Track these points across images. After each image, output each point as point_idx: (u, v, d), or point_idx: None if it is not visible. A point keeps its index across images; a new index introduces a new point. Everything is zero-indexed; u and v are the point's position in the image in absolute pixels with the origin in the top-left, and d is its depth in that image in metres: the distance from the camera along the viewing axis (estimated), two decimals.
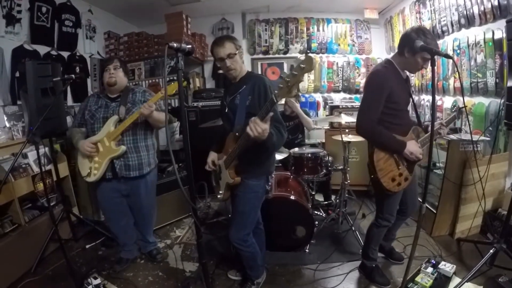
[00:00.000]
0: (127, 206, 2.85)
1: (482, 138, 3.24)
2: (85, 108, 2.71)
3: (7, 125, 3.37)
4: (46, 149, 3.29)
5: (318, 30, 6.25)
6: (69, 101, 4.44)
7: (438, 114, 4.34)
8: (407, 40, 2.14)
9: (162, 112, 2.64)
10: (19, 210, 2.96)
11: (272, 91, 2.12)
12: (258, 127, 1.73)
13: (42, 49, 3.95)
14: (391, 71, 2.27)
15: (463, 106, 2.56)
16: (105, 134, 2.55)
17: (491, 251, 2.55)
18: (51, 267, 3.00)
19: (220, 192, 2.31)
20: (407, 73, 2.41)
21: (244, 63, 2.25)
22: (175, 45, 1.57)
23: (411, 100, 2.45)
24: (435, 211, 3.31)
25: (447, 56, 1.97)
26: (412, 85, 4.82)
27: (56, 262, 3.04)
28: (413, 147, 2.25)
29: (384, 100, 2.22)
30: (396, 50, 2.31)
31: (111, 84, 2.61)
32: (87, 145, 2.54)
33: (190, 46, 1.63)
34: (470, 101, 3.74)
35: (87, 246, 3.37)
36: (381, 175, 2.27)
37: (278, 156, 3.45)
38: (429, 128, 2.39)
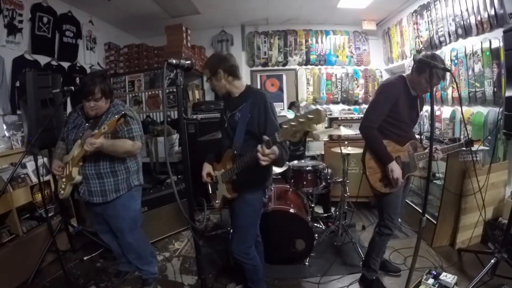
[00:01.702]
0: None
1: (481, 147, 3.24)
2: (65, 125, 2.59)
3: (6, 134, 3.38)
4: (45, 159, 3.27)
5: (316, 42, 6.34)
6: (69, 112, 4.44)
7: (437, 124, 4.36)
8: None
9: (124, 140, 2.39)
10: (17, 220, 2.95)
11: (273, 108, 2.10)
12: (269, 155, 1.76)
13: (43, 59, 3.99)
14: (400, 84, 2.42)
15: (474, 139, 2.71)
16: (70, 158, 2.40)
17: (492, 261, 2.53)
18: (48, 278, 2.96)
19: (217, 201, 2.31)
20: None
21: (233, 80, 2.17)
22: (174, 61, 1.55)
23: (417, 117, 2.57)
24: (435, 222, 3.29)
25: (445, 69, 2.07)
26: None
27: (54, 273, 3.01)
28: (396, 167, 2.33)
29: (388, 108, 2.37)
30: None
31: (91, 116, 2.43)
32: (54, 168, 2.47)
33: (189, 62, 1.61)
34: (469, 110, 3.76)
35: (85, 258, 3.32)
36: (369, 173, 2.44)
37: (278, 169, 3.45)
38: (427, 145, 2.54)
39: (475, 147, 3.05)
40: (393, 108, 2.37)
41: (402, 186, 2.50)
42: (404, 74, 2.51)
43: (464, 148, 2.72)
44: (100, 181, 2.42)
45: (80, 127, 2.45)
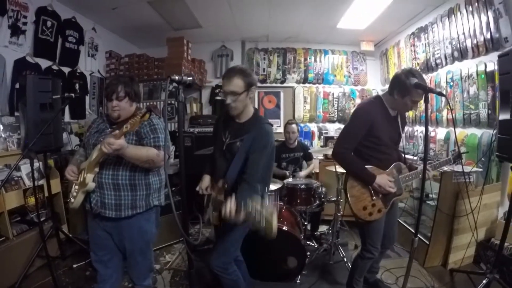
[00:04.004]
0: (113, 244, 2.30)
1: (475, 169, 3.28)
2: (88, 129, 2.44)
3: (3, 135, 3.35)
4: (40, 164, 3.25)
5: (315, 60, 6.42)
6: (66, 117, 4.47)
7: (431, 146, 4.40)
8: (397, 82, 2.22)
9: (149, 147, 2.12)
10: (8, 223, 2.92)
11: (271, 152, 2.05)
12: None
13: (44, 63, 4.01)
14: (377, 106, 2.35)
15: (463, 152, 2.66)
16: (87, 164, 2.15)
17: (484, 281, 2.55)
18: (36, 284, 2.91)
19: (208, 216, 2.27)
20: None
21: (251, 103, 2.11)
22: (176, 77, 1.54)
23: (399, 138, 2.48)
24: (427, 242, 3.30)
25: (440, 94, 2.09)
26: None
27: (42, 279, 2.96)
28: (382, 180, 2.29)
29: (364, 132, 2.29)
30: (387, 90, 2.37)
31: (113, 118, 2.22)
32: (67, 171, 2.25)
33: (191, 78, 1.59)
34: (463, 132, 3.82)
35: (75, 266, 3.27)
36: (352, 201, 2.34)
37: (272, 187, 3.42)
38: (413, 166, 2.53)
39: (468, 168, 3.09)
40: (370, 132, 2.28)
41: (384, 213, 2.41)
42: (380, 94, 2.45)
43: (452, 163, 2.64)
44: (116, 193, 2.16)
45: (102, 132, 2.26)
